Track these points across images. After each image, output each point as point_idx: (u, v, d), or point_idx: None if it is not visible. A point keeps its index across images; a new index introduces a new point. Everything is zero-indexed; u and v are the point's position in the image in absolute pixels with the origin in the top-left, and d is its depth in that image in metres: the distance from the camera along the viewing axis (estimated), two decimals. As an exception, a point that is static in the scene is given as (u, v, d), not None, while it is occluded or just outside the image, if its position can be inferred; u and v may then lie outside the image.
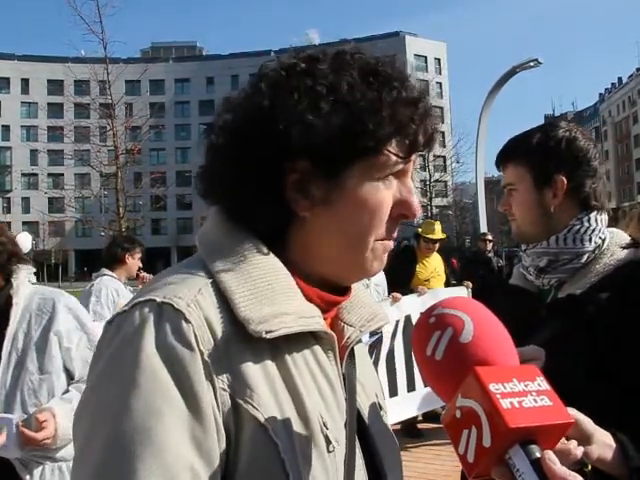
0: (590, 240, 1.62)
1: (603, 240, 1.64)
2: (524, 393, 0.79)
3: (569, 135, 1.66)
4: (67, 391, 2.46)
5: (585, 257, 1.62)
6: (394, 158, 0.93)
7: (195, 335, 0.82)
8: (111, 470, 0.76)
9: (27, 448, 2.30)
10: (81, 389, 2.42)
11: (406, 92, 0.93)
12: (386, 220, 0.95)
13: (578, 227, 1.63)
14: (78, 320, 2.53)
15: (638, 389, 1.44)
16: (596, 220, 1.64)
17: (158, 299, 0.84)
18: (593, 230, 1.63)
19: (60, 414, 2.32)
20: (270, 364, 0.87)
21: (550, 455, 0.77)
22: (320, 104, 0.88)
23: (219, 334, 0.84)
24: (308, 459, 0.85)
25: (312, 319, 0.91)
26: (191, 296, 0.85)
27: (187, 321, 0.82)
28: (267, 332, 0.84)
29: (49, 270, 64.37)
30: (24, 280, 2.47)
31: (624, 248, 1.63)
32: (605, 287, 1.57)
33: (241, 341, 0.85)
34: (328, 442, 0.88)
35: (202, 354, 0.82)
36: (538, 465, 0.75)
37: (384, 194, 0.93)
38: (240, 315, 0.85)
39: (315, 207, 0.92)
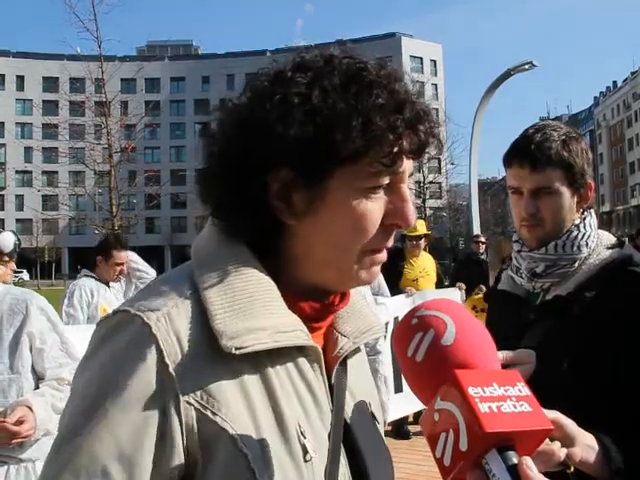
0: (586, 245, 1.65)
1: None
2: (503, 398, 0.78)
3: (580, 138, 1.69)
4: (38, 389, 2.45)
5: (578, 262, 1.65)
6: (379, 167, 0.88)
7: (160, 349, 0.82)
8: (58, 455, 0.83)
9: (13, 444, 2.29)
10: (54, 386, 2.43)
11: (391, 97, 0.88)
12: (375, 231, 0.91)
13: (575, 234, 1.65)
14: (50, 321, 2.53)
15: (621, 388, 1.45)
16: (590, 225, 1.68)
17: (132, 310, 0.86)
18: (589, 236, 1.66)
19: (36, 406, 2.32)
20: (247, 376, 0.87)
21: (527, 461, 0.76)
22: (293, 114, 0.86)
23: (189, 347, 0.84)
24: (282, 468, 0.85)
25: (292, 333, 0.89)
26: (165, 309, 0.85)
27: (151, 334, 0.83)
28: (237, 348, 0.84)
29: (42, 268, 64.22)
30: None
31: (609, 248, 1.67)
32: (590, 287, 1.60)
33: (215, 353, 0.84)
34: (305, 451, 0.87)
35: (167, 367, 0.82)
36: (515, 471, 0.75)
37: (370, 205, 0.89)
38: (215, 328, 0.84)
39: (299, 215, 0.90)
